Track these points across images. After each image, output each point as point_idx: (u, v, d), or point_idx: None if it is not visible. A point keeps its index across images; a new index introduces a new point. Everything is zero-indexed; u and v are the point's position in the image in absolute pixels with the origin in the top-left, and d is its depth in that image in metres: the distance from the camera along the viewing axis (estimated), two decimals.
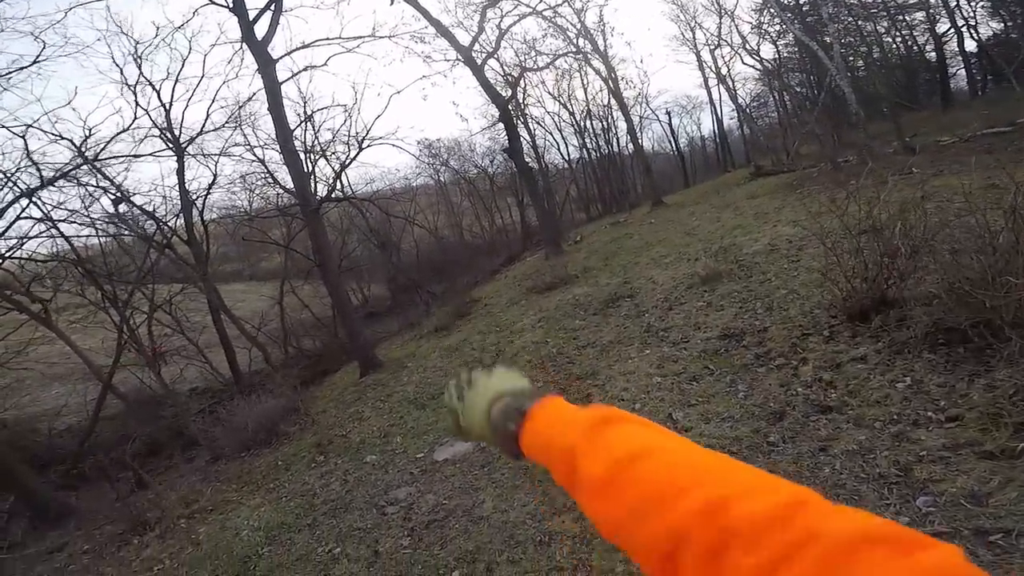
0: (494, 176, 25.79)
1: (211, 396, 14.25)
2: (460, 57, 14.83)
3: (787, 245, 7.43)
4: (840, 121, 16.92)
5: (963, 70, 21.32)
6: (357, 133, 14.39)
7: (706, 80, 26.01)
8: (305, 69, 11.66)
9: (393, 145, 13.93)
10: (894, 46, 21.04)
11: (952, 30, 19.57)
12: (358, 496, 5.26)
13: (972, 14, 19.42)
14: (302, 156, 15.25)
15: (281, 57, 10.73)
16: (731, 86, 23.53)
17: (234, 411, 9.20)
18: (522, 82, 19.96)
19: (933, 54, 21.31)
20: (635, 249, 11.46)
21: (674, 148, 27.12)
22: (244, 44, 10.61)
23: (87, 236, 14.19)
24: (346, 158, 14.44)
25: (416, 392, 7.56)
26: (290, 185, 12.85)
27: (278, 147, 10.65)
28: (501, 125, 18.99)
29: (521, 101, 22.23)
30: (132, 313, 12.59)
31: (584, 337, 6.88)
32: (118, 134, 12.90)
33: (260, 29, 10.25)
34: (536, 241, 19.24)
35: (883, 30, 20.55)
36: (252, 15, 10.19)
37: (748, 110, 24.92)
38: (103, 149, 12.35)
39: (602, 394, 4.96)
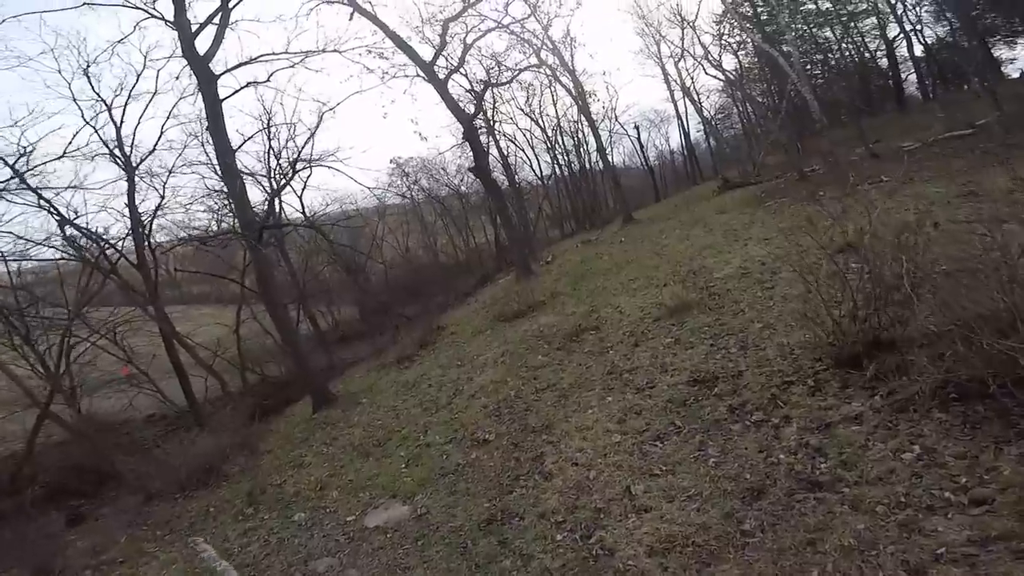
0: (467, 195, 25.16)
1: (167, 424, 13.25)
2: (421, 73, 14.21)
3: (759, 268, 6.89)
4: (803, 129, 16.71)
5: (913, 74, 21.51)
6: (290, 156, 13.49)
7: (672, 93, 25.93)
8: (247, 85, 10.87)
9: (329, 167, 12.96)
10: (847, 53, 21.16)
11: (901, 35, 19.70)
12: (275, 564, 4.56)
13: (918, 19, 19.60)
14: (265, 180, 14.48)
15: (223, 73, 9.96)
16: (696, 98, 23.44)
17: (171, 449, 8.36)
18: (490, 98, 19.48)
19: (884, 60, 21.52)
20: (604, 271, 10.86)
21: (643, 162, 26.95)
22: (185, 59, 9.84)
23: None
24: (286, 180, 13.55)
25: (363, 437, 6.79)
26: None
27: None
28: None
29: (491, 118, 21.73)
30: (67, 342, 11.61)
31: (544, 377, 6.19)
32: (62, 155, 11.92)
33: (204, 44, 9.53)
34: (510, 261, 18.62)
35: (836, 37, 20.63)
36: (195, 27, 9.45)
37: (713, 122, 24.86)
38: (41, 166, 11.42)
39: (555, 454, 4.26)
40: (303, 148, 13.13)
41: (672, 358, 5.27)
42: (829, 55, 21.16)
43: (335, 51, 11.25)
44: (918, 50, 19.67)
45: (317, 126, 14.04)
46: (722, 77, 21.18)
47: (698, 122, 28.96)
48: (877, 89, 21.96)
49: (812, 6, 19.66)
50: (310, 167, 13.99)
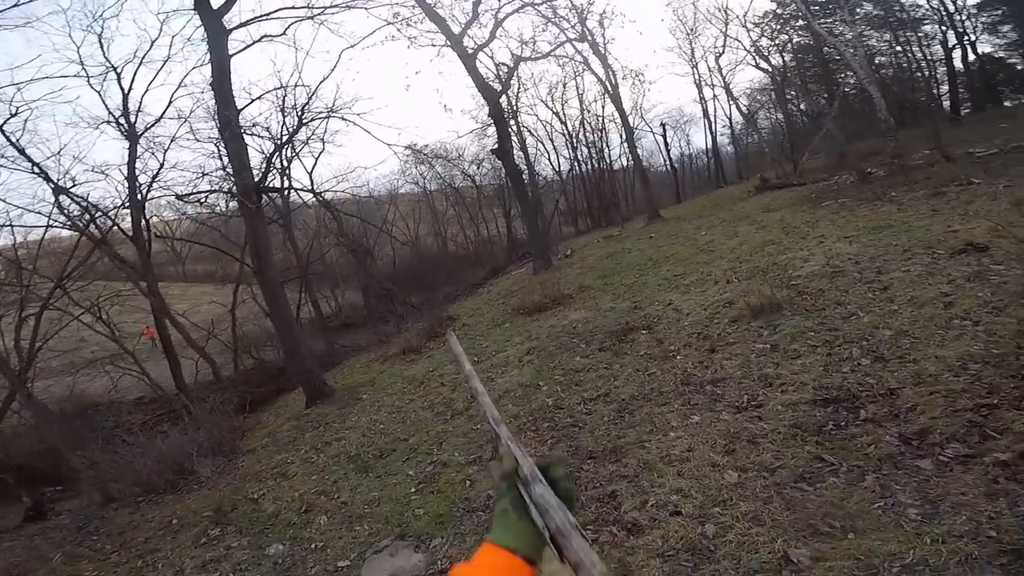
0: (481, 185, 23.86)
1: (156, 409, 11.91)
2: (449, 43, 12.94)
3: (855, 267, 5.55)
4: (858, 131, 15.34)
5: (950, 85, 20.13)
6: (299, 111, 12.09)
7: (702, 94, 24.67)
8: (261, 39, 9.55)
9: (343, 119, 11.58)
10: (900, 58, 19.83)
11: (956, 44, 18.39)
12: None
13: (974, 28, 18.31)
14: (270, 140, 13.14)
15: (236, 28, 8.69)
16: (732, 97, 22.12)
17: (139, 443, 7.05)
18: (515, 80, 18.16)
19: (928, 69, 20.20)
20: (639, 266, 9.55)
21: (667, 161, 25.58)
22: (196, 12, 8.56)
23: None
24: (292, 134, 12.17)
25: (361, 444, 5.47)
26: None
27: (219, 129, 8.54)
28: (491, 129, 17.23)
29: (514, 103, 20.44)
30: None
31: (590, 384, 4.87)
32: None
33: None
34: (522, 255, 17.25)
35: (889, 40, 19.31)
36: None
37: (754, 118, 23.45)
38: (35, 135, 10.24)
39: (637, 495, 2.93)
40: (315, 91, 11.77)
41: (775, 369, 3.94)
42: (880, 58, 19.80)
43: (362, 8, 9.91)
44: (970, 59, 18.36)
45: (333, 68, 12.78)
46: (768, 69, 19.76)
47: (724, 126, 27.74)
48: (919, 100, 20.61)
49: (869, 6, 18.32)
50: (326, 117, 12.58)
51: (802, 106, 19.75)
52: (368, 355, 11.25)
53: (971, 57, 18.74)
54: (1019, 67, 18.39)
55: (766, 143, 23.14)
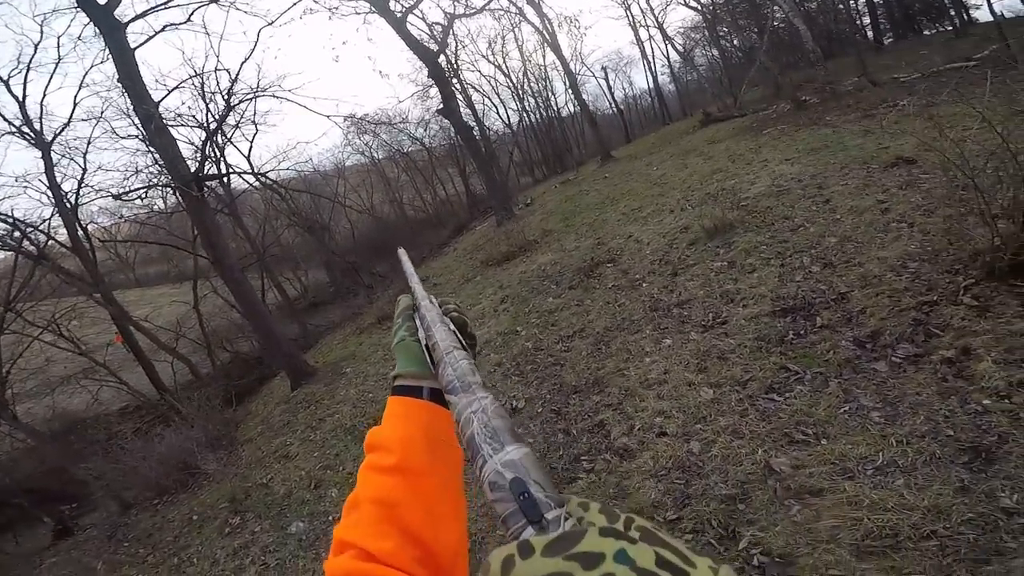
0: (432, 147, 22.97)
1: (143, 416, 11.44)
2: (375, 9, 11.98)
3: (799, 185, 5.67)
4: (790, 62, 15.33)
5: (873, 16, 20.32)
6: (223, 94, 11.11)
7: (637, 35, 24.05)
8: (164, 28, 8.57)
9: (274, 96, 10.76)
10: None
11: None
12: None
13: None
14: (199, 129, 12.16)
15: (132, 20, 7.77)
16: (666, 37, 21.66)
17: (137, 448, 6.85)
18: (452, 38, 17.18)
19: (849, 1, 20.21)
20: (597, 205, 9.52)
21: (612, 104, 25.16)
22: (79, 10, 7.61)
23: None
24: (221, 119, 11.25)
25: (354, 415, 5.44)
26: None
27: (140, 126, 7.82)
28: (433, 90, 16.35)
29: (454, 61, 19.43)
30: None
31: (565, 322, 4.90)
32: None
33: None
34: (484, 209, 16.95)
35: None
36: None
37: (690, 56, 23.15)
38: None
39: (624, 421, 3.00)
40: (238, 74, 10.81)
41: (734, 284, 4.03)
42: None
43: None
44: None
45: (253, 48, 11.69)
46: (698, 7, 19.35)
47: (663, 65, 27.32)
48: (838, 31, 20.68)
49: None
50: (253, 98, 11.65)
51: (735, 42, 19.50)
52: (343, 330, 11.05)
53: None
54: None
55: (705, 79, 22.97)
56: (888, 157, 5.44)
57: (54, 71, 10.94)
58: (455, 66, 19.70)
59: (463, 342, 0.57)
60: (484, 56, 23.69)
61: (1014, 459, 1.84)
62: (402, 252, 0.96)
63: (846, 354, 2.78)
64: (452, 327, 0.59)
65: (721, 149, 9.90)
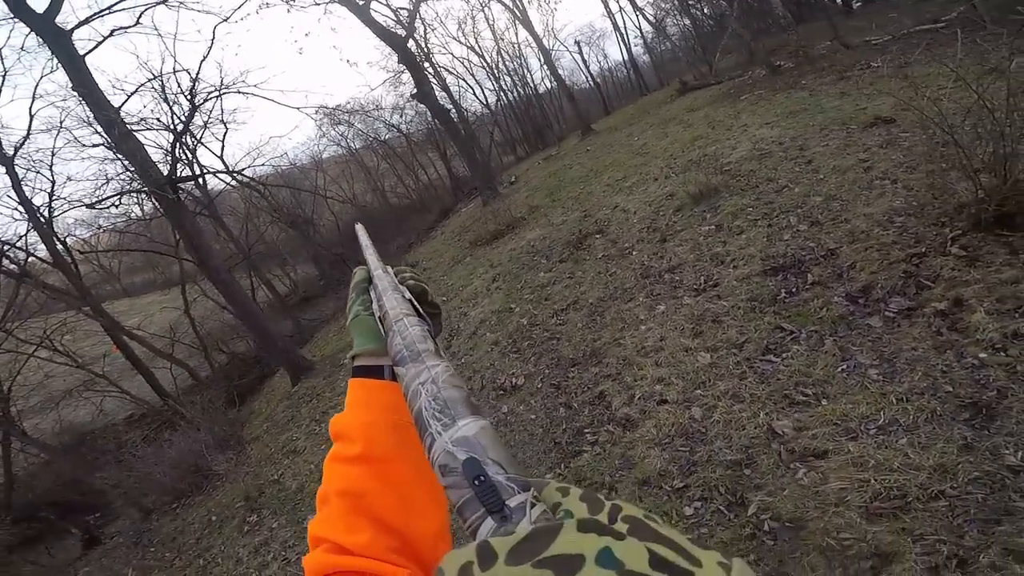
0: (409, 132, 22.44)
1: (149, 423, 11.27)
2: None
3: (780, 148, 5.61)
4: (761, 28, 15.09)
5: None
6: (186, 94, 10.63)
7: (608, 8, 23.51)
8: (112, 33, 8.10)
9: (239, 92, 10.33)
10: None
11: None
12: None
13: None
14: (167, 132, 11.64)
15: (77, 26, 7.37)
16: (636, 7, 21.19)
17: (146, 455, 6.82)
18: (419, 22, 16.57)
19: None
20: (582, 178, 9.41)
21: (589, 77, 24.73)
22: (16, 20, 7.17)
23: None
24: (187, 120, 10.83)
25: None
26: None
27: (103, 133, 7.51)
28: (405, 76, 15.82)
29: (424, 45, 18.82)
30: None
31: (559, 295, 4.85)
32: None
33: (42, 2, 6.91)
34: (468, 190, 16.71)
35: None
36: None
37: (662, 25, 22.72)
38: None
39: (623, 391, 2.97)
40: (198, 73, 10.29)
41: (723, 247, 4.00)
42: None
43: None
44: None
45: (211, 46, 11.20)
46: None
47: (636, 36, 26.86)
48: None
49: None
50: (218, 96, 11.22)
51: (705, 10, 19.11)
52: (337, 322, 10.93)
53: None
54: None
55: (679, 49, 22.59)
56: (866, 118, 5.41)
57: (2, 84, 10.20)
58: (426, 50, 19.14)
59: (419, 310, 0.53)
60: (455, 38, 23.13)
61: (1015, 415, 1.83)
62: (359, 227, 0.91)
63: (839, 310, 2.76)
64: (408, 295, 0.54)
65: (700, 116, 9.79)
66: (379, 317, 0.54)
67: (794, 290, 3.12)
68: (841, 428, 2.07)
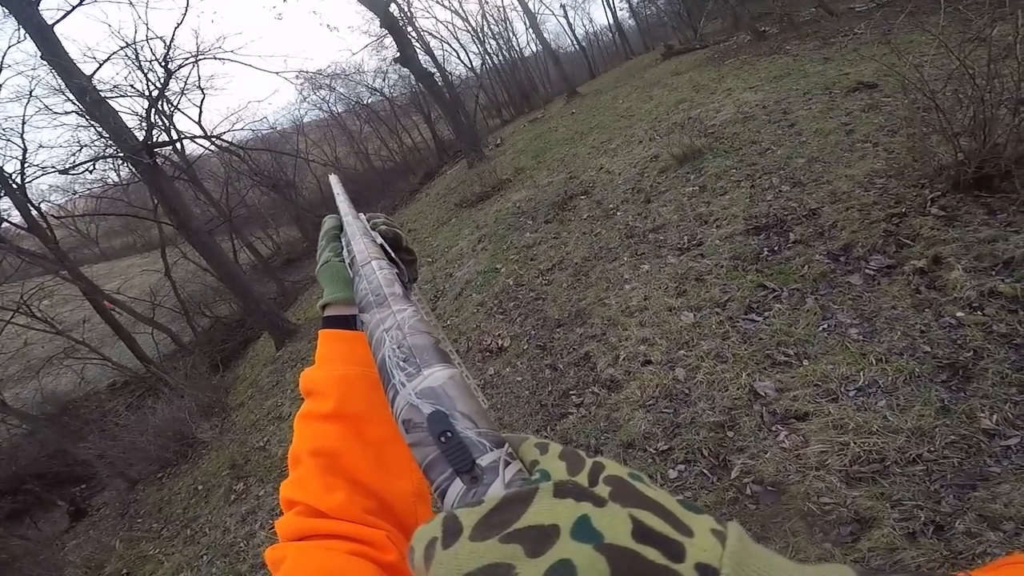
0: (393, 96, 21.41)
1: (133, 390, 10.95)
2: None
3: (763, 111, 5.44)
4: None
5: None
6: (160, 59, 9.86)
7: None
8: (81, 2, 7.38)
9: (216, 58, 9.63)
10: None
11: None
12: None
13: None
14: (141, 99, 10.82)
15: None
16: None
17: (129, 423, 6.60)
18: None
19: None
20: (567, 140, 9.11)
21: (574, 41, 23.77)
22: None
23: None
24: (162, 85, 10.10)
25: None
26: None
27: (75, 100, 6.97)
28: (388, 40, 14.88)
29: (407, 9, 17.66)
30: None
31: (544, 256, 4.71)
32: None
33: None
34: (453, 153, 16.16)
35: None
36: None
37: None
38: None
39: (608, 352, 2.89)
40: (172, 40, 9.50)
41: (707, 207, 3.88)
42: None
43: None
44: None
45: (185, 13, 10.28)
46: None
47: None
48: None
49: None
50: (194, 62, 10.45)
51: None
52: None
53: None
54: None
55: (664, 13, 21.69)
56: (849, 82, 5.27)
57: None
58: (409, 14, 18.01)
59: (391, 255, 0.48)
60: (438, 2, 21.77)
61: (990, 376, 1.78)
62: (333, 177, 0.83)
63: (821, 268, 2.69)
64: (379, 240, 0.49)
65: (685, 80, 9.45)
66: (348, 263, 0.50)
67: (776, 248, 3.03)
68: (822, 389, 2.01)
